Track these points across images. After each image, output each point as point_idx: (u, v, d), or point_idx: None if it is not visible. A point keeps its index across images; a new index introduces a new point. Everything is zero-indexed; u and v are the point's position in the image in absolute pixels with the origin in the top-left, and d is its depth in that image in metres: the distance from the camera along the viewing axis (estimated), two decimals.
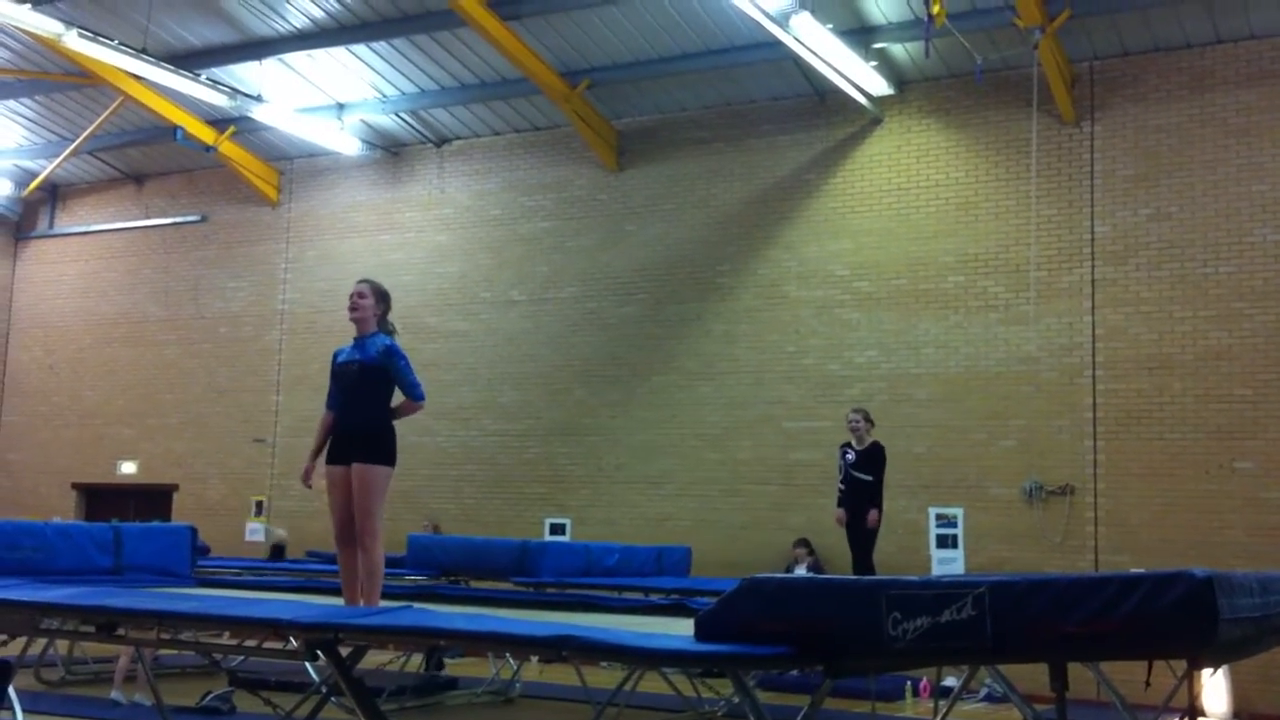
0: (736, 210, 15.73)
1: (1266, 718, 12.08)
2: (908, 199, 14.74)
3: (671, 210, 16.11)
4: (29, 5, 13.40)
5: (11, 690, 6.79)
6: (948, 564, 13.73)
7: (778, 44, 13.17)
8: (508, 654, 11.66)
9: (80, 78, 16.74)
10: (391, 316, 7.68)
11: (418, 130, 17.62)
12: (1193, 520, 12.87)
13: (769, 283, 15.39)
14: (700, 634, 4.85)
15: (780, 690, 11.36)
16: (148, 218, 20.16)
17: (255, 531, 18.11)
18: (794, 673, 10.19)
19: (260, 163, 18.81)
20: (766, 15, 11.95)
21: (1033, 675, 6.03)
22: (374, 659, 10.45)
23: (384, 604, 7.14)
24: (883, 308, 14.68)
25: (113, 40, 14.05)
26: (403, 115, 17.32)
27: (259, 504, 18.21)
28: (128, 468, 19.61)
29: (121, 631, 6.65)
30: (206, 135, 17.80)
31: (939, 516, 13.96)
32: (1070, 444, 13.55)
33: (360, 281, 7.65)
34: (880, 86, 14.39)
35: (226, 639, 7.33)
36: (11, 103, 18.54)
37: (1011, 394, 13.88)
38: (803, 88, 15.26)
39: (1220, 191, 13.28)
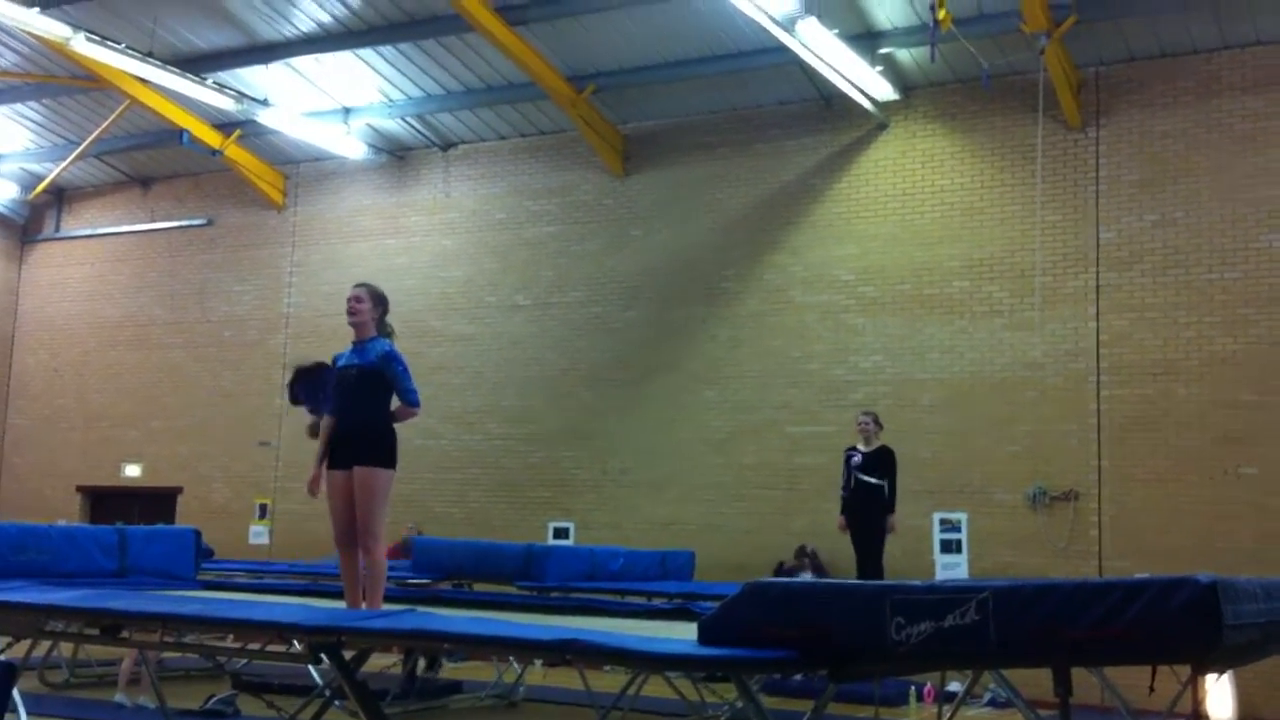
0: (742, 215, 15.73)
1: None
2: (913, 204, 14.74)
3: (677, 215, 16.11)
4: (36, 9, 13.45)
5: (15, 693, 6.79)
6: (952, 569, 13.71)
7: (784, 49, 13.17)
8: (512, 658, 11.66)
9: (87, 81, 16.78)
10: (396, 320, 7.68)
11: (423, 134, 17.64)
12: (1198, 526, 12.85)
13: (774, 288, 15.39)
14: (704, 638, 4.84)
15: (784, 695, 11.34)
16: (153, 221, 20.19)
17: (259, 534, 18.13)
18: (798, 677, 10.17)
19: (266, 166, 18.84)
20: (772, 20, 11.97)
21: (1037, 680, 6.02)
22: (378, 662, 10.46)
23: (388, 607, 7.13)
24: (888, 313, 14.68)
25: (119, 44, 14.10)
26: (409, 119, 17.34)
27: (263, 507, 18.23)
28: (132, 470, 19.64)
29: (125, 634, 6.65)
30: (213, 139, 17.83)
31: (943, 521, 13.95)
32: (1075, 449, 13.53)
33: (357, 286, 7.62)
34: (886, 91, 14.40)
35: (230, 642, 7.33)
36: (18, 106, 18.59)
37: (1016, 399, 13.87)
38: (808, 93, 15.27)
39: (1226, 197, 13.27)
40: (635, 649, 4.87)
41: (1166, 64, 13.72)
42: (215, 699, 10.41)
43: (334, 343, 17.18)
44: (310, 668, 9.60)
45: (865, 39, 13.87)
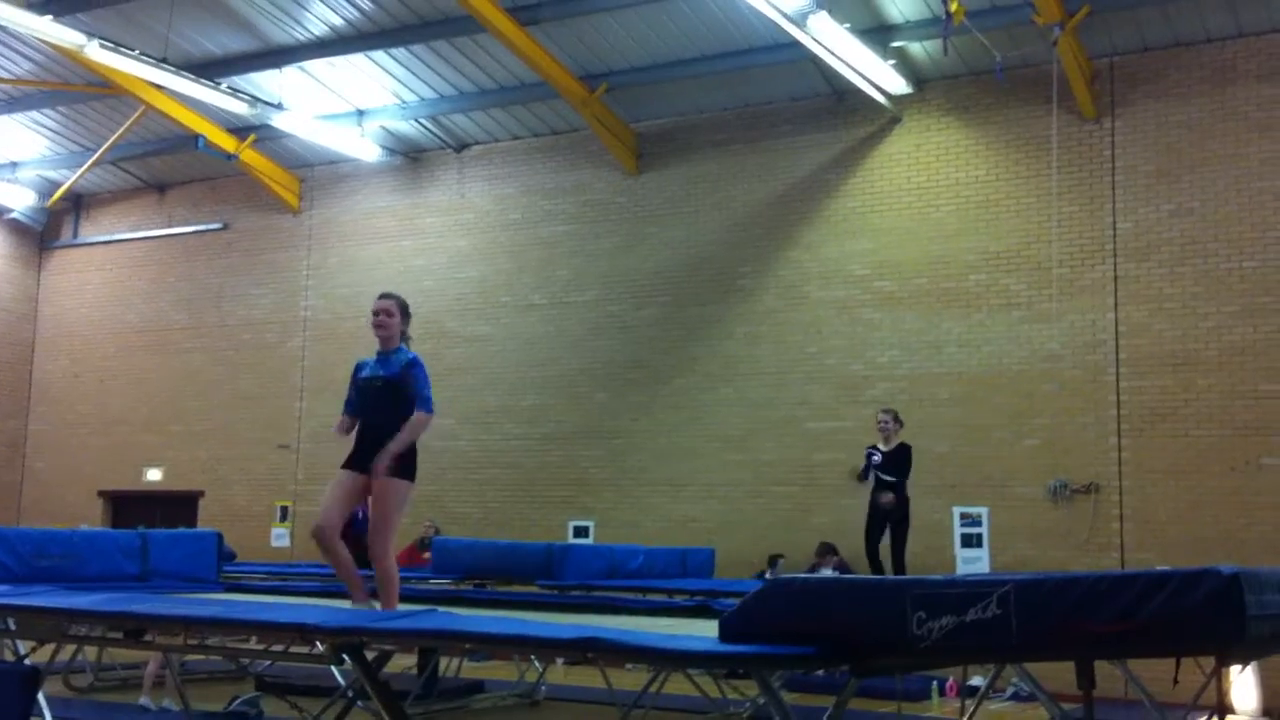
0: (756, 211, 15.72)
1: None
2: (928, 198, 14.71)
3: (691, 212, 16.11)
4: (51, 17, 13.51)
5: (41, 696, 6.83)
6: (973, 563, 13.69)
7: (796, 44, 13.16)
8: (533, 657, 11.68)
9: (102, 88, 16.85)
10: (413, 322, 7.68)
11: (437, 136, 17.67)
12: (1219, 517, 12.80)
13: (789, 284, 15.38)
14: (725, 635, 4.85)
15: (806, 691, 11.35)
16: (170, 226, 20.28)
17: (280, 536, 18.20)
18: (819, 673, 10.17)
19: (281, 170, 18.90)
20: (784, 16, 11.95)
21: (1060, 674, 6.01)
22: (400, 662, 10.49)
23: (409, 608, 7.16)
24: (904, 307, 14.65)
25: (134, 50, 14.15)
26: (423, 121, 17.38)
27: (284, 509, 18.29)
28: (153, 474, 19.72)
29: (149, 637, 6.69)
30: (228, 143, 17.90)
31: (964, 516, 13.92)
32: (1095, 442, 13.49)
33: (385, 298, 7.53)
34: (899, 85, 14.37)
35: (253, 643, 7.36)
36: (35, 114, 18.69)
37: (1035, 392, 13.83)
38: (821, 88, 15.25)
39: (1243, 186, 13.21)
40: (656, 647, 4.88)
41: (1181, 53, 13.67)
42: (239, 700, 10.44)
43: (351, 345, 17.34)
44: (333, 668, 9.64)
45: (877, 33, 13.84)
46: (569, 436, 16.48)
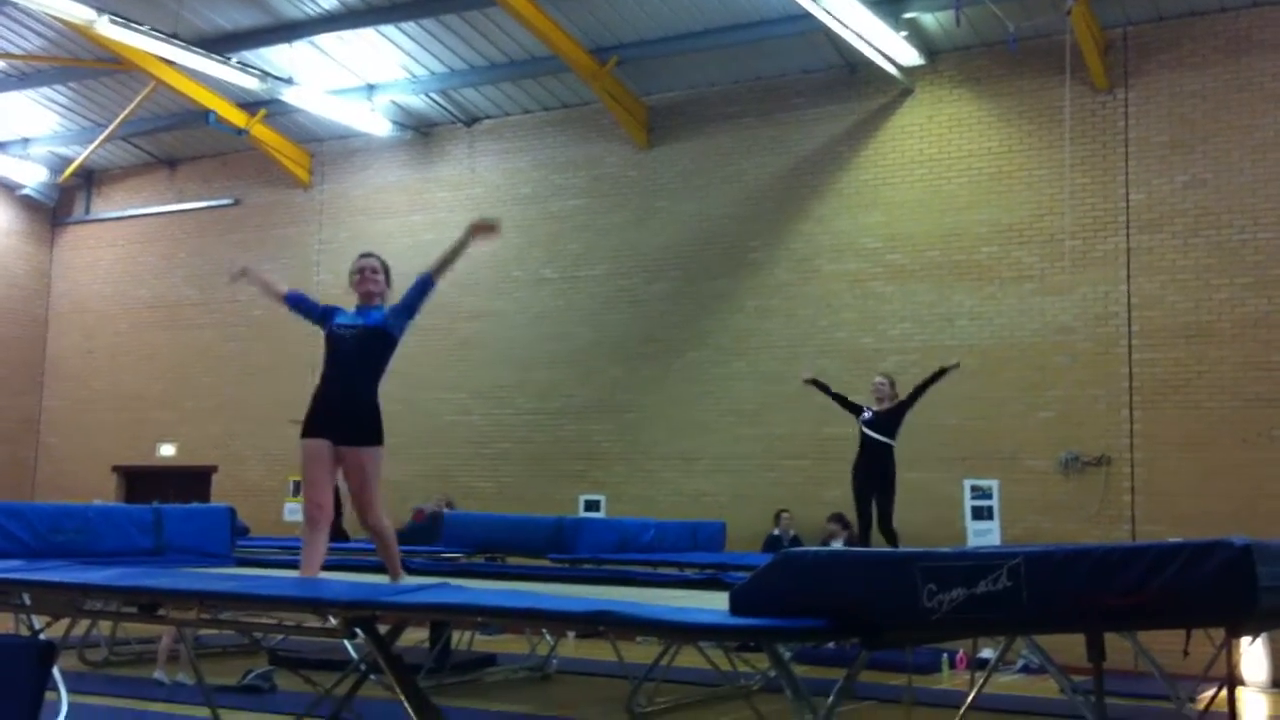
0: (767, 185, 15.68)
1: None
2: (940, 170, 14.65)
3: (702, 186, 16.08)
4: None
5: (56, 671, 6.87)
6: (983, 535, 13.69)
7: (807, 16, 13.09)
8: (545, 630, 11.73)
9: (113, 63, 16.85)
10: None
11: (448, 110, 17.63)
12: (1231, 489, 12.77)
13: (801, 257, 15.35)
14: (736, 608, 4.85)
15: (816, 663, 11.37)
16: (182, 202, 20.30)
17: (294, 511, 18.26)
18: (830, 646, 10.19)
19: (292, 145, 18.90)
20: None
21: (1070, 646, 6.02)
22: (413, 635, 10.53)
23: (420, 580, 7.18)
24: (916, 280, 14.61)
25: (144, 25, 14.14)
26: (433, 95, 17.34)
27: (297, 484, 18.35)
28: (167, 450, 19.80)
29: (163, 612, 6.72)
30: (238, 118, 17.89)
31: (974, 488, 13.92)
32: (1107, 414, 13.47)
33: (368, 256, 7.35)
34: (911, 57, 14.29)
35: (266, 618, 7.38)
36: (45, 90, 18.70)
37: (1047, 364, 13.80)
38: (833, 60, 15.18)
39: (1257, 157, 13.14)
40: (667, 620, 4.88)
41: (1194, 23, 13.57)
42: (252, 674, 10.51)
43: None
44: (345, 642, 9.69)
45: (889, 4, 13.75)
46: (581, 411, 16.50)
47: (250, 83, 15.60)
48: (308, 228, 19.01)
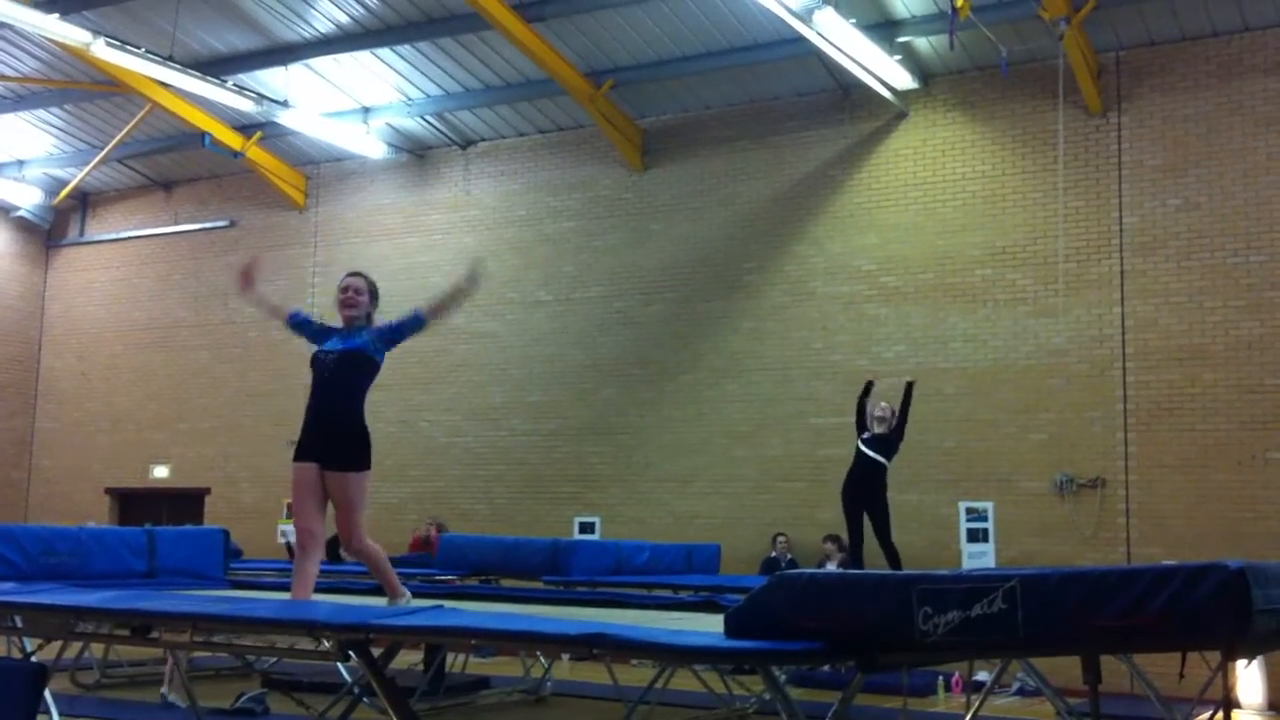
0: (762, 207, 15.72)
1: None
2: (934, 193, 14.70)
3: (697, 208, 16.11)
4: (57, 15, 13.52)
5: (47, 694, 6.84)
6: (979, 558, 13.67)
7: (801, 40, 13.15)
8: (539, 652, 11.68)
9: (108, 86, 16.88)
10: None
11: (443, 133, 17.67)
12: (1226, 512, 12.78)
13: (795, 279, 15.37)
14: (731, 630, 4.85)
15: (812, 686, 11.35)
16: (177, 224, 20.29)
17: (288, 534, 18.21)
18: (825, 668, 10.17)
19: (287, 167, 18.92)
20: (790, 11, 11.94)
21: (1066, 668, 6.01)
22: (406, 658, 10.49)
23: (415, 603, 7.16)
24: (910, 302, 14.64)
25: (140, 48, 14.16)
26: (428, 118, 17.38)
27: (290, 506, 18.29)
28: (160, 472, 19.75)
29: (156, 634, 6.69)
30: (234, 141, 17.91)
31: (969, 510, 13.91)
32: (1101, 436, 13.48)
33: (354, 275, 7.25)
34: (905, 80, 14.35)
35: (259, 640, 7.36)
36: (41, 112, 18.71)
37: (1041, 387, 13.82)
38: (827, 83, 15.23)
39: (1250, 180, 13.19)
40: (662, 642, 4.88)
41: (1187, 47, 13.64)
42: (245, 697, 10.45)
43: None
44: (339, 665, 9.66)
45: (883, 28, 13.83)
46: (575, 432, 16.49)
47: (246, 105, 15.62)
48: (303, 250, 19.02)
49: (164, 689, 10.74)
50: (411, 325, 7.08)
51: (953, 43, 12.85)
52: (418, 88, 16.74)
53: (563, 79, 15.34)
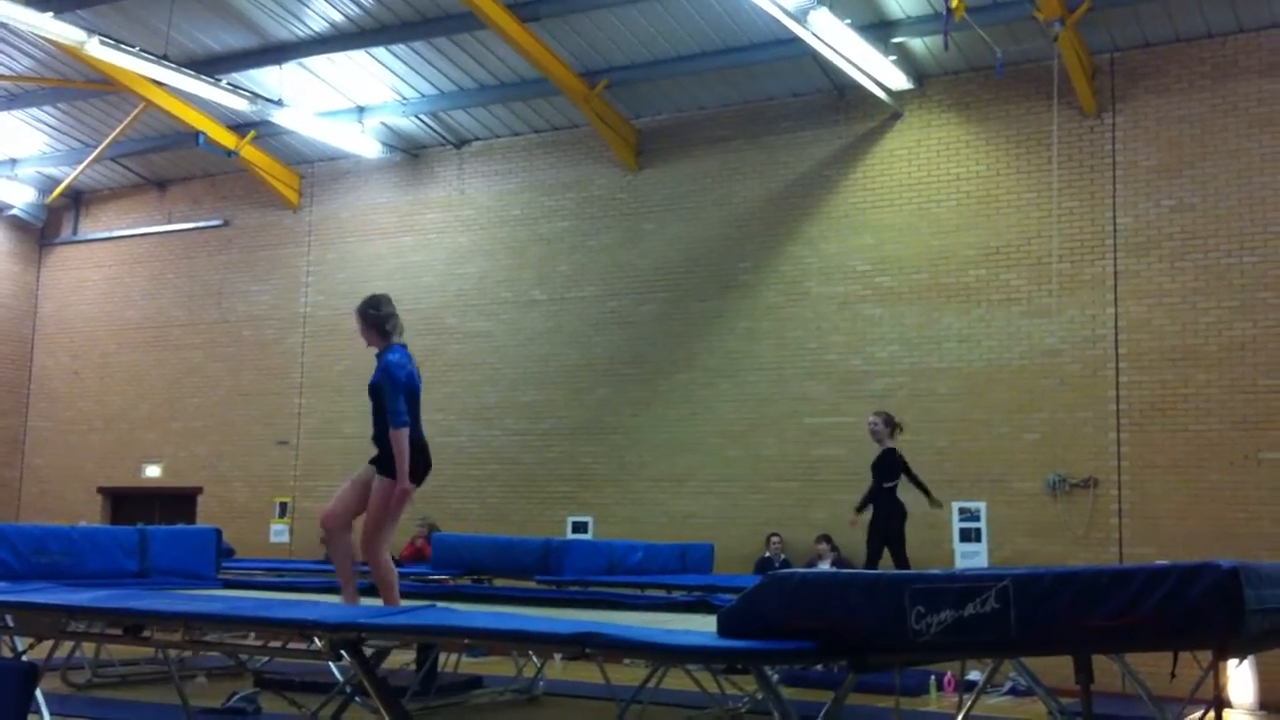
0: (756, 207, 15.72)
1: None
2: (928, 193, 14.71)
3: (691, 208, 16.11)
4: (51, 14, 13.49)
5: (38, 693, 6.83)
6: (971, 558, 13.69)
7: (796, 40, 13.15)
8: (531, 652, 11.68)
9: (102, 85, 16.85)
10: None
11: (437, 132, 17.66)
12: (1218, 512, 12.80)
13: (790, 279, 15.38)
14: (723, 630, 4.84)
15: (804, 686, 11.35)
16: (170, 223, 20.28)
17: (279, 533, 18.20)
18: (818, 668, 10.16)
19: (281, 166, 18.90)
20: (785, 12, 11.94)
21: (1058, 668, 6.01)
22: (398, 658, 10.48)
23: (407, 603, 7.15)
24: (904, 302, 14.65)
25: (134, 47, 14.13)
26: (422, 117, 17.37)
27: (283, 505, 18.30)
28: (153, 471, 19.72)
29: (147, 633, 6.68)
30: (228, 140, 17.89)
31: (962, 510, 13.92)
32: (1094, 436, 13.49)
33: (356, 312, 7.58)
34: (900, 81, 14.36)
35: (252, 640, 7.36)
36: (35, 110, 18.68)
37: (1034, 387, 13.83)
38: (822, 84, 15.24)
39: (1244, 181, 13.21)
40: (655, 642, 4.87)
41: (1182, 49, 13.65)
42: (237, 696, 10.44)
43: (351, 341, 17.13)
44: (331, 665, 9.64)
45: (878, 28, 13.83)
46: (569, 432, 16.48)
47: (240, 104, 15.60)
48: (297, 249, 19.00)
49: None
50: (389, 419, 7.12)
51: (947, 43, 12.88)
52: (412, 87, 16.72)
53: (557, 79, 15.33)
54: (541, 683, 12.10)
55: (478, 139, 17.70)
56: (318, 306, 18.67)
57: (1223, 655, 4.45)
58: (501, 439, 16.90)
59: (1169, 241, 13.45)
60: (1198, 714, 7.85)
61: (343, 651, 5.55)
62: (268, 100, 15.82)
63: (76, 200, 21.10)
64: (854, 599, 4.60)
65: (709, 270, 15.88)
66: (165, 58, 14.55)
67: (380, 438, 7.19)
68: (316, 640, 5.64)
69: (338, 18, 15.55)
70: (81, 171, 19.45)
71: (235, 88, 15.49)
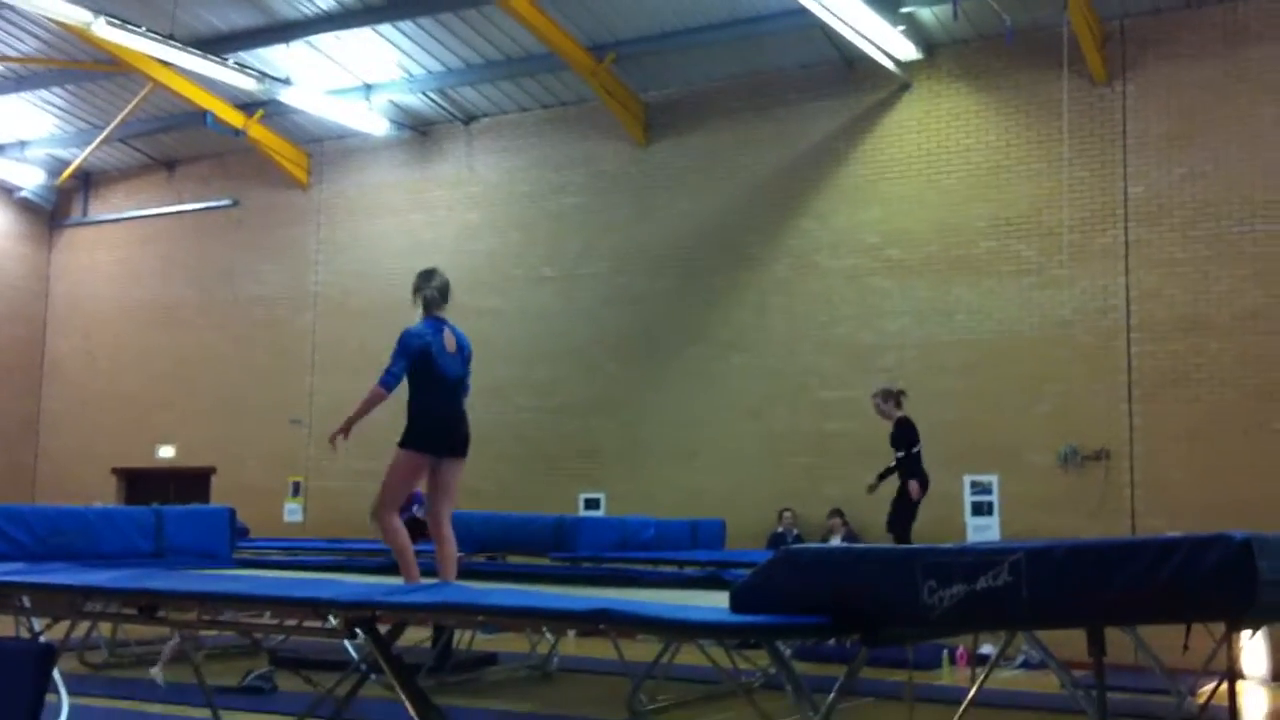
0: (766, 180, 15.66)
1: None
2: (938, 164, 14.64)
3: (701, 182, 16.06)
4: None
5: (56, 674, 6.87)
6: (983, 531, 13.68)
7: (804, 11, 13.06)
8: (545, 629, 11.71)
9: (110, 65, 16.81)
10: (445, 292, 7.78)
11: (446, 109, 17.62)
12: (1232, 482, 12.74)
13: (800, 253, 15.34)
14: (736, 606, 4.85)
15: (817, 660, 11.36)
16: (180, 203, 20.28)
17: (293, 512, 18.26)
18: (830, 643, 10.16)
19: (290, 145, 18.87)
20: None
21: (1070, 641, 6.01)
22: (414, 635, 10.52)
23: (422, 580, 7.18)
24: (914, 275, 14.60)
25: (140, 27, 14.11)
26: (430, 94, 17.33)
27: (296, 485, 18.35)
28: (166, 451, 19.79)
29: (163, 613, 6.71)
30: (236, 119, 17.86)
31: (974, 484, 13.90)
32: (1106, 408, 13.45)
33: None
34: (909, 51, 14.28)
35: (267, 619, 7.39)
36: (43, 92, 18.67)
37: (1046, 358, 13.78)
38: (830, 55, 15.16)
39: (1256, 148, 13.12)
40: (668, 618, 4.89)
41: (1192, 15, 13.55)
42: (253, 675, 10.50)
43: (362, 319, 17.36)
44: (346, 643, 9.69)
45: None
46: (581, 408, 16.48)
47: (247, 83, 15.57)
48: (306, 228, 19.00)
49: (154, 671, 10.71)
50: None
51: (956, 12, 12.81)
52: (420, 64, 16.68)
53: (565, 53, 15.28)
54: (556, 659, 12.15)
55: (486, 115, 17.66)
56: (328, 285, 18.68)
57: (1235, 627, 4.45)
58: (514, 416, 16.87)
59: (1181, 210, 13.37)
60: (1211, 686, 7.85)
61: (357, 629, 5.57)
62: (275, 79, 15.79)
63: (86, 182, 21.11)
64: (866, 573, 4.61)
65: (719, 244, 15.84)
66: (172, 37, 14.52)
67: (408, 406, 7.25)
68: (331, 619, 5.67)
69: None
70: (90, 153, 19.44)
71: (242, 67, 15.46)
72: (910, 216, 14.71)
